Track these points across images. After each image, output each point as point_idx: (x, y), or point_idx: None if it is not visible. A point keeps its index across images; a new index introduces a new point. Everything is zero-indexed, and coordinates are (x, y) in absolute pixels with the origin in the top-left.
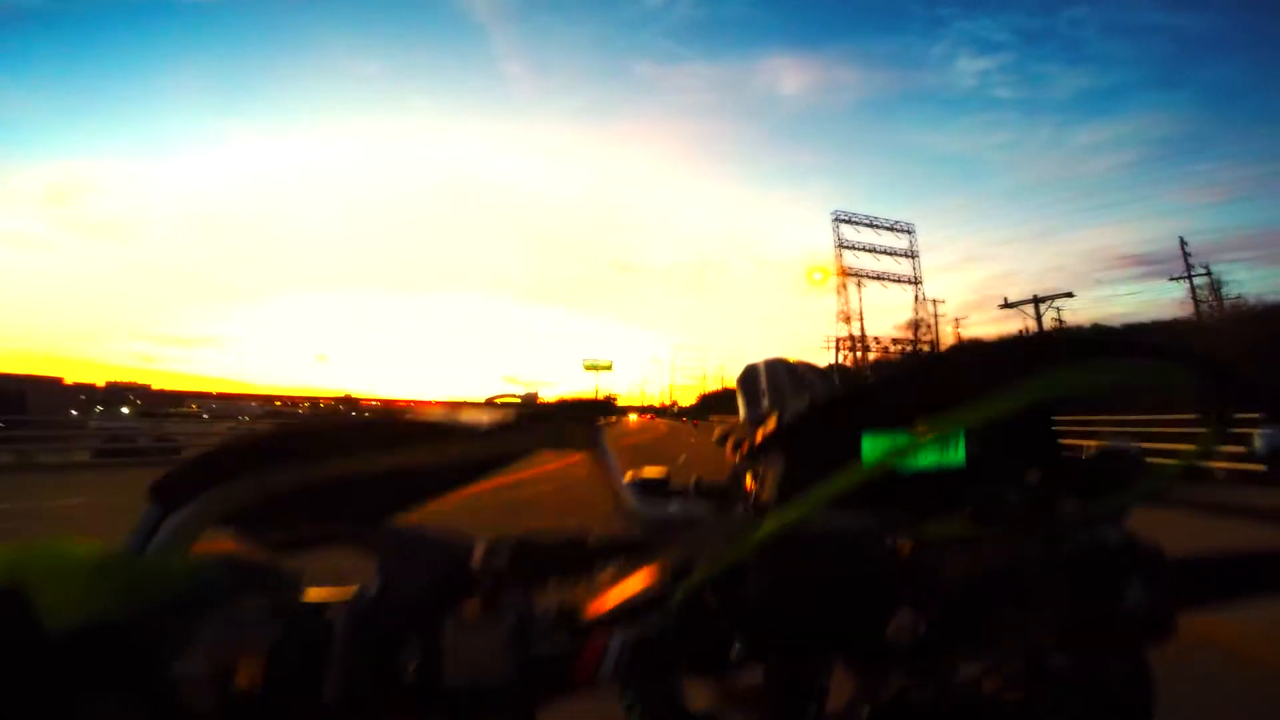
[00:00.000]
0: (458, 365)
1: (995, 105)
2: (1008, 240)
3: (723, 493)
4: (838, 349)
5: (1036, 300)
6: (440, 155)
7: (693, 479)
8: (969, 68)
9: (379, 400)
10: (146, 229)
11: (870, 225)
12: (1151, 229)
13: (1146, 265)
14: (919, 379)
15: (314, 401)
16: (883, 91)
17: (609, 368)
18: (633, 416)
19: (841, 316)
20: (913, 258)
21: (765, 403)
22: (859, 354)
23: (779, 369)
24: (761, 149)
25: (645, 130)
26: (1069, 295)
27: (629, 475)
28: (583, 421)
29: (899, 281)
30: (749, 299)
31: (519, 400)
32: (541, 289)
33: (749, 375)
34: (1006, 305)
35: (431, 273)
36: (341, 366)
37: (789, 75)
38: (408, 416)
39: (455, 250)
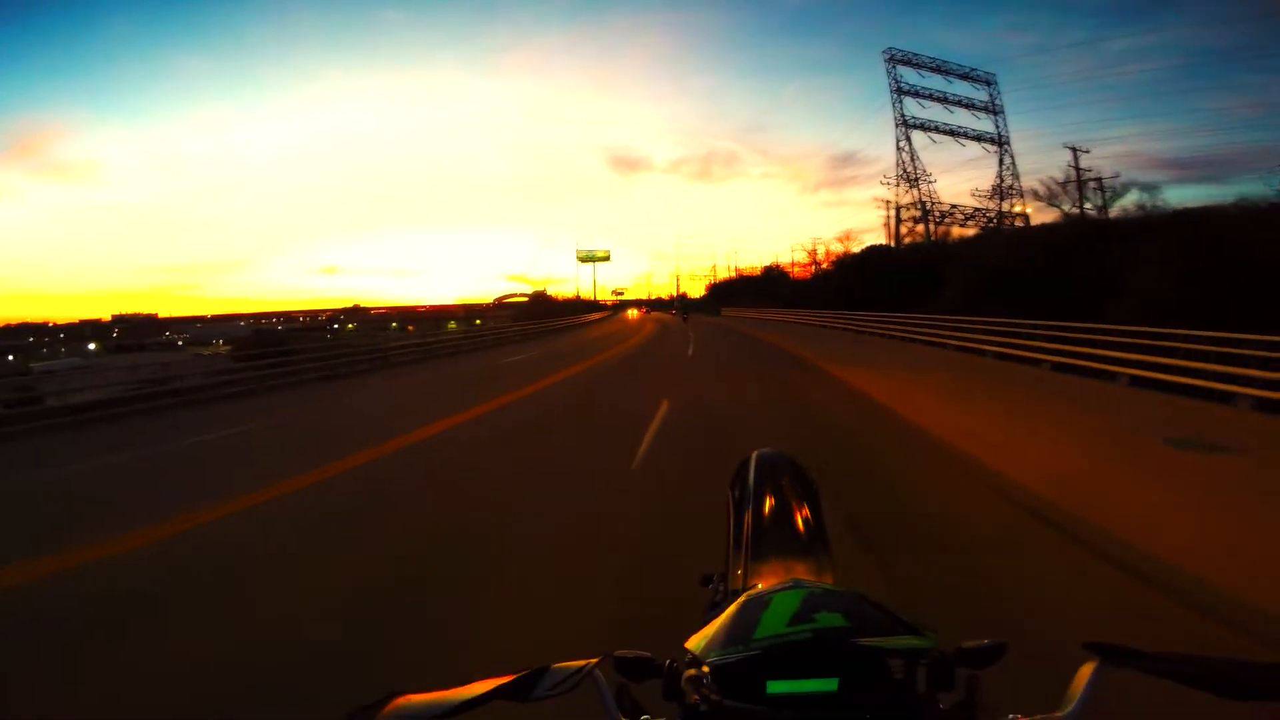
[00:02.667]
0: (465, 270)
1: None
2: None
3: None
4: (898, 218)
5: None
6: (431, 79)
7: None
8: None
9: (387, 306)
10: (165, 175)
11: (938, 69)
12: (1187, 137)
13: (1180, 169)
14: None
15: (315, 314)
16: None
17: (606, 257)
18: (632, 312)
19: (901, 178)
20: (995, 113)
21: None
22: (929, 225)
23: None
24: (768, 40)
25: (639, 25)
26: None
27: (594, 660)
28: None
29: (979, 140)
30: (759, 193)
31: (526, 299)
32: (542, 192)
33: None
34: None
35: (434, 189)
36: (351, 277)
37: None
38: None
39: (456, 171)
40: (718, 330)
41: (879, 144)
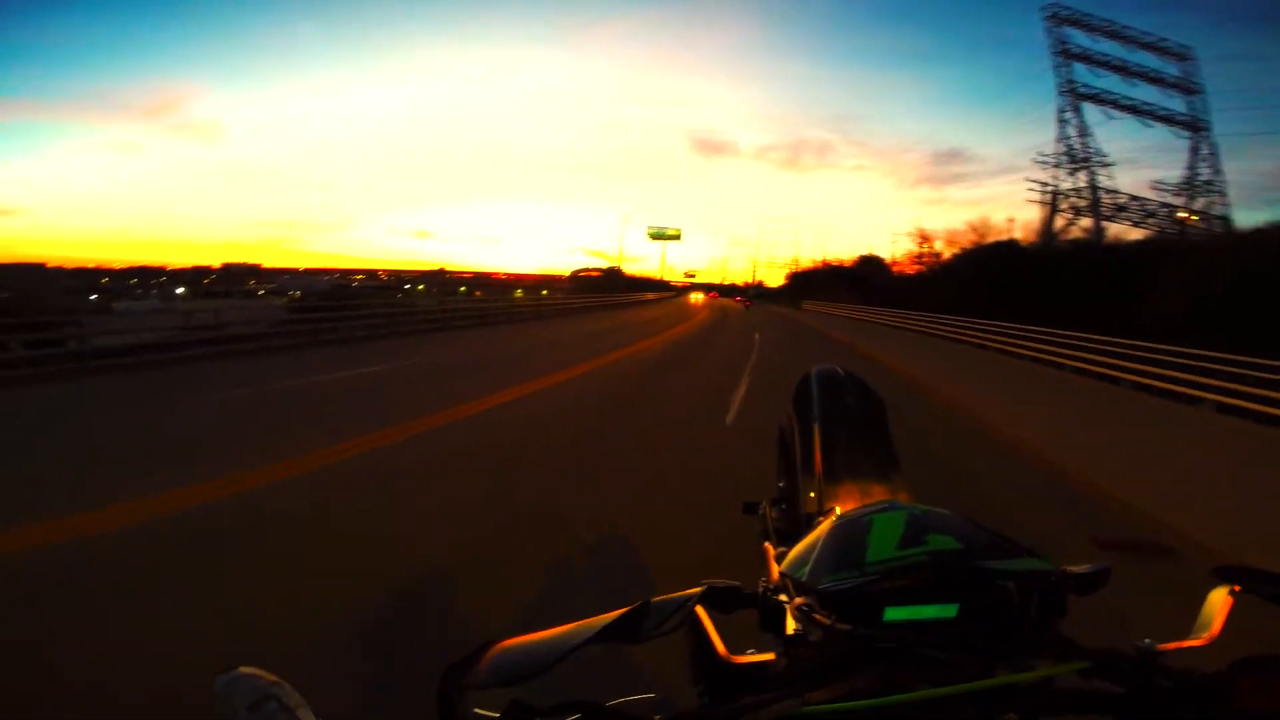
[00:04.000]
0: (546, 242)
1: None
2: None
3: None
4: (1052, 205)
5: None
6: (520, 54)
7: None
8: None
9: (469, 271)
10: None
11: (1116, 35)
12: None
13: None
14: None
15: (399, 274)
16: None
17: (677, 236)
18: (696, 295)
19: (1063, 159)
20: (1191, 93)
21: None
22: (1093, 218)
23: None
24: (868, 27)
25: (729, 6)
26: None
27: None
28: None
29: (1169, 122)
30: (851, 186)
31: (600, 273)
32: (625, 170)
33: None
34: None
35: (520, 162)
36: (439, 242)
37: None
38: None
39: (542, 145)
40: (793, 332)
41: (988, 142)
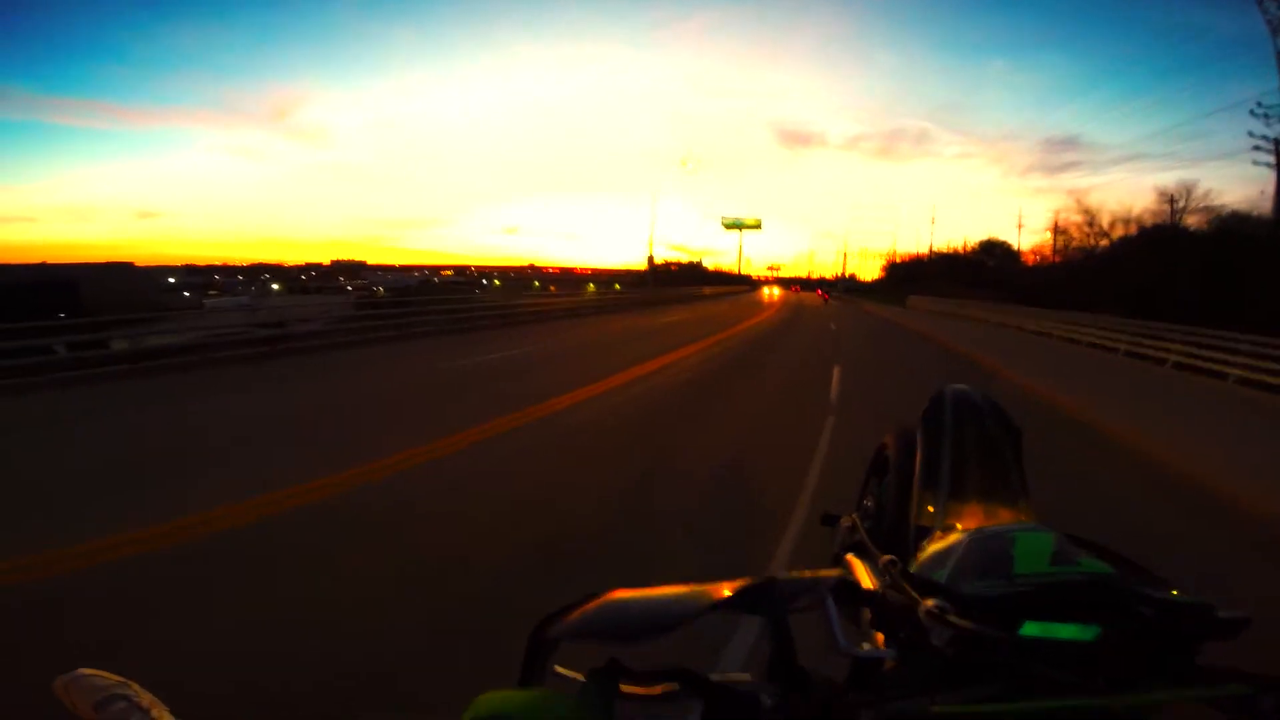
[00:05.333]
0: (632, 236)
1: None
2: None
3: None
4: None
5: None
6: (601, 50)
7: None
8: None
9: (558, 267)
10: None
11: None
12: None
13: None
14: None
15: (491, 270)
16: None
17: (756, 225)
18: (770, 290)
19: None
20: None
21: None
22: None
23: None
24: (965, 14)
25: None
26: None
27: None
28: None
29: None
30: (954, 175)
31: (677, 267)
32: (708, 164)
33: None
34: None
35: (604, 158)
36: (529, 237)
37: None
38: None
39: (624, 140)
40: (897, 357)
41: (1104, 130)
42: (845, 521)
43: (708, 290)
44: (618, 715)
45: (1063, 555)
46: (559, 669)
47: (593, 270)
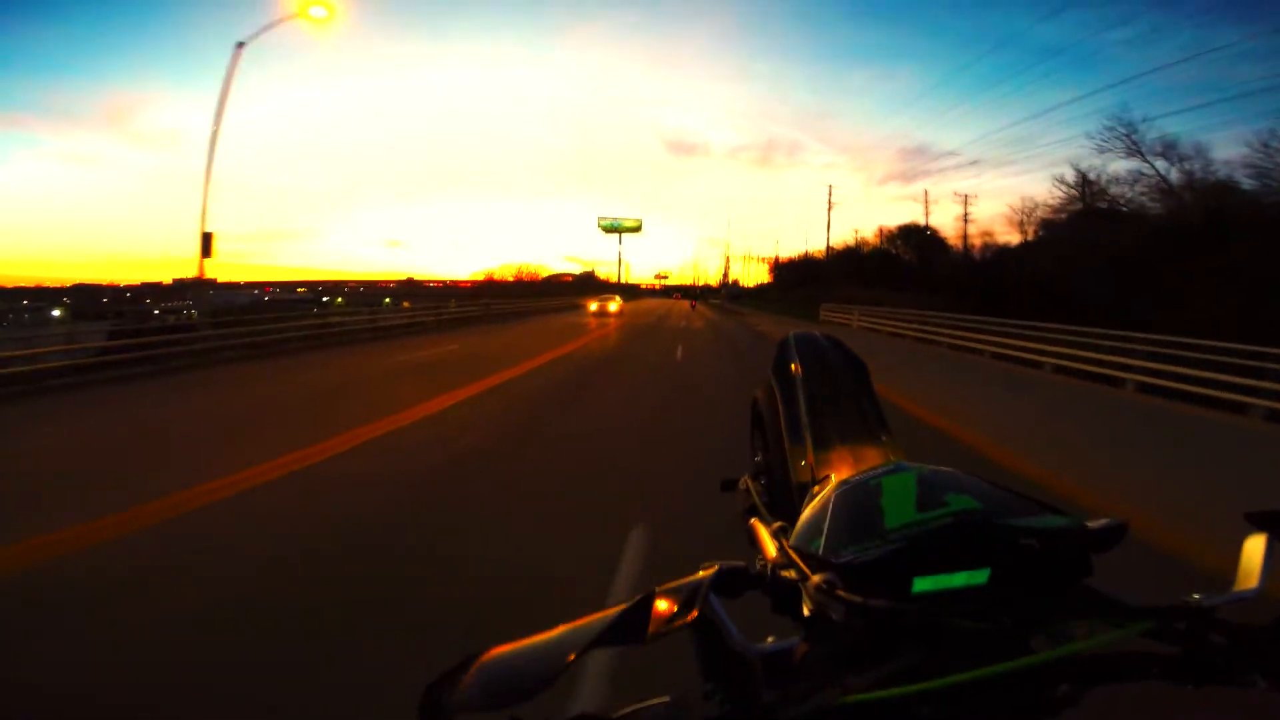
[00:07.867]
0: (520, 245)
1: None
2: None
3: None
4: None
5: None
6: (493, 54)
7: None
8: None
9: (438, 281)
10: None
11: None
12: None
13: None
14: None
15: (368, 284)
16: None
17: (637, 228)
18: (598, 304)
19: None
20: None
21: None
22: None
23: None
24: (832, 26)
25: (700, 8)
26: None
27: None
28: None
29: None
30: (822, 183)
31: (572, 279)
32: (598, 173)
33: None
34: None
35: (493, 165)
36: (412, 252)
37: None
38: None
39: (515, 147)
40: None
41: (952, 137)
42: (742, 484)
43: (550, 303)
44: None
45: (928, 497)
46: None
47: (452, 283)
